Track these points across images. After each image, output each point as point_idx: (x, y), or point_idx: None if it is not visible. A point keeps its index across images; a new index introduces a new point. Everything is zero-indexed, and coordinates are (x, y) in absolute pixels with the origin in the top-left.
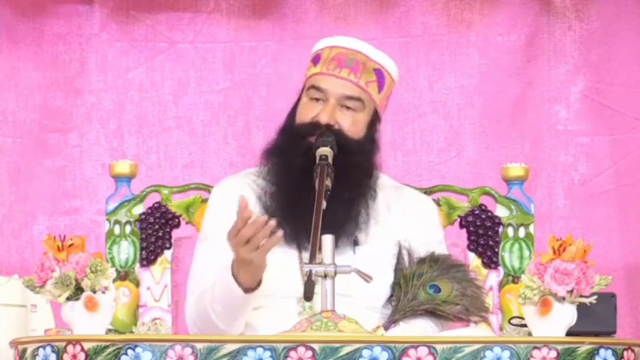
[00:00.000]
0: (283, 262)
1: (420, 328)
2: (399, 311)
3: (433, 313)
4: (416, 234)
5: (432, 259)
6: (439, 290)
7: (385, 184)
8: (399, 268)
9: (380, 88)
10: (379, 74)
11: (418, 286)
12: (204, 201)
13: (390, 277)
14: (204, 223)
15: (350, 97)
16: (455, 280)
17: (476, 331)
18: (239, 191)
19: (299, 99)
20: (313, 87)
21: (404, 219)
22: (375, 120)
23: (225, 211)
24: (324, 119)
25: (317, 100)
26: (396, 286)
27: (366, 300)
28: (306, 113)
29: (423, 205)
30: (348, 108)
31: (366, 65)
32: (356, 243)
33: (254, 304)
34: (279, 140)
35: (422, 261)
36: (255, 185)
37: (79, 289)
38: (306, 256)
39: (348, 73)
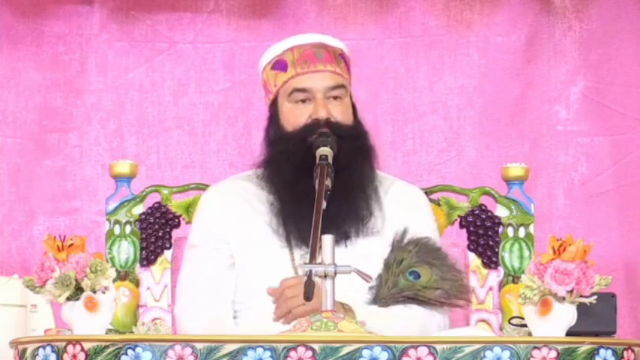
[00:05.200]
0: (275, 261)
1: (407, 315)
2: (380, 300)
3: (415, 299)
4: (409, 226)
5: (410, 243)
6: (419, 276)
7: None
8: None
9: (348, 70)
10: (344, 57)
11: (398, 274)
12: None
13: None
14: (191, 231)
15: (334, 87)
16: (434, 266)
17: (476, 331)
18: (227, 197)
19: (274, 110)
20: (296, 90)
21: (396, 212)
22: (354, 103)
23: (211, 219)
24: (322, 115)
25: (302, 101)
26: (377, 275)
27: (358, 293)
28: (297, 117)
29: (413, 197)
30: (335, 98)
31: (331, 53)
32: (347, 237)
33: (247, 303)
34: (274, 150)
35: (402, 247)
36: (243, 190)
37: (79, 289)
38: (297, 254)
39: (324, 65)
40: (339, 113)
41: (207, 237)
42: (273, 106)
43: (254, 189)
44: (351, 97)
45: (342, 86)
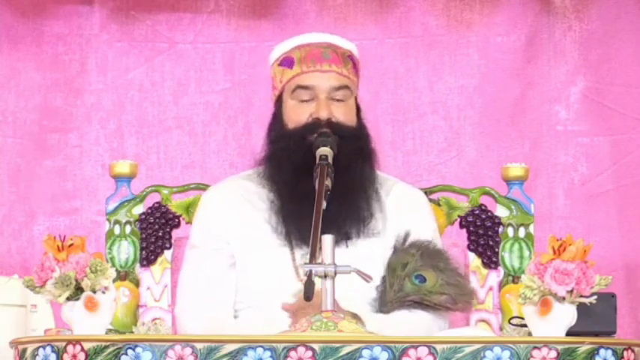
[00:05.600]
0: (276, 260)
1: (412, 321)
2: (386, 303)
3: (421, 304)
4: (410, 228)
5: (414, 248)
6: (424, 280)
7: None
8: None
9: (356, 72)
10: (352, 59)
11: (403, 277)
12: None
13: (383, 272)
14: (192, 230)
15: (339, 88)
16: (439, 270)
17: (476, 331)
18: (228, 197)
19: (278, 107)
20: (299, 87)
21: (397, 213)
22: (358, 105)
23: (212, 219)
24: (324, 115)
25: (306, 100)
26: (382, 278)
27: (360, 294)
28: (299, 115)
29: (414, 198)
30: (338, 100)
31: (339, 54)
32: (348, 237)
33: (247, 303)
34: (275, 147)
35: (405, 250)
36: (243, 190)
37: (79, 289)
38: (298, 253)
39: (330, 65)
40: (342, 114)
41: (208, 237)
42: (278, 102)
43: (255, 188)
44: (356, 100)
45: (346, 87)
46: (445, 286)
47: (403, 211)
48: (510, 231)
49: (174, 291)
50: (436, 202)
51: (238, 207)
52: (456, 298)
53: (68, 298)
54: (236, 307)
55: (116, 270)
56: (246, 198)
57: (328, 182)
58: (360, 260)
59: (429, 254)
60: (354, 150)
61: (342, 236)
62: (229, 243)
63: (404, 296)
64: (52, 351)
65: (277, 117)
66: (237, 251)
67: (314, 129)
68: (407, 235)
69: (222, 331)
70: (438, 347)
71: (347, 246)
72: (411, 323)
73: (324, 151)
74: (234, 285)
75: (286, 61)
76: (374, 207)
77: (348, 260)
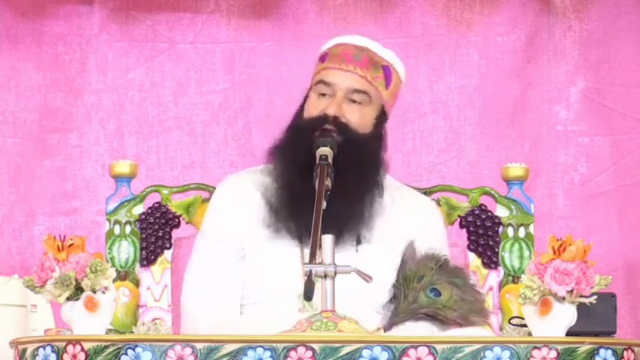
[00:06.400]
0: (285, 258)
1: (419, 331)
2: (399, 314)
3: (433, 317)
4: (421, 238)
5: (432, 262)
6: (439, 294)
7: (389, 183)
8: (401, 271)
9: (387, 84)
10: (386, 70)
11: (418, 290)
12: (205, 201)
13: (393, 277)
14: (205, 218)
15: (357, 90)
16: (455, 285)
17: (476, 331)
18: (242, 189)
19: (306, 97)
20: (321, 82)
21: (409, 221)
22: (382, 117)
23: (225, 210)
24: (331, 112)
25: (324, 95)
26: (395, 288)
27: (368, 298)
28: (314, 108)
29: (427, 208)
30: (354, 102)
31: (373, 61)
32: (359, 241)
33: (255, 298)
34: (286, 137)
35: (421, 263)
36: (259, 183)
37: (79, 289)
38: (307, 251)
39: (355, 67)
40: (354, 117)
41: (217, 227)
42: (308, 93)
43: (269, 182)
44: (382, 111)
45: (365, 93)
46: (459, 301)
47: (414, 219)
48: (510, 231)
49: (175, 291)
50: (436, 202)
51: (251, 201)
52: (468, 315)
53: (68, 298)
54: (242, 302)
55: (116, 270)
56: (260, 192)
57: (328, 182)
58: (371, 264)
59: (447, 270)
60: (357, 154)
61: (352, 240)
62: (239, 236)
63: (417, 308)
64: (52, 351)
65: (301, 107)
66: (246, 245)
67: (320, 124)
68: (416, 246)
69: (226, 326)
70: (438, 347)
71: (357, 250)
72: None
73: (324, 151)
74: (241, 278)
75: (324, 56)
76: (379, 211)
77: (358, 264)
